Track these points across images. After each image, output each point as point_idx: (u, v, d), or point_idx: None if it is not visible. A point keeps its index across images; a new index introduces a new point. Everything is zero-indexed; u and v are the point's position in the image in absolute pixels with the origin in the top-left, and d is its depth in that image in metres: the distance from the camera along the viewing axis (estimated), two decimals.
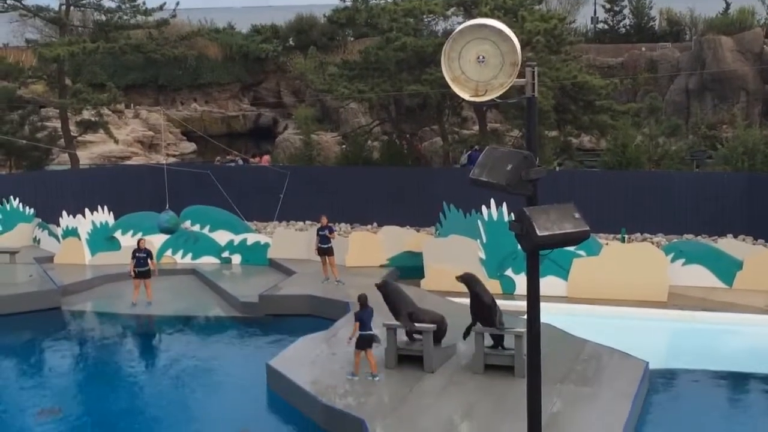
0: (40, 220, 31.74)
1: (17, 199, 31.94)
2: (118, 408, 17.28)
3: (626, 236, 29.09)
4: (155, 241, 28.34)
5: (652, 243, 27.90)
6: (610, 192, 30.38)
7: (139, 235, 27.23)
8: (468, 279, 17.75)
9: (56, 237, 29.98)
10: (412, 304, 18.06)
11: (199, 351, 21.31)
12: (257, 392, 17.74)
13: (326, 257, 25.10)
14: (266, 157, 42.40)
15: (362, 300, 17.23)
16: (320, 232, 25.26)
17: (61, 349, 22.02)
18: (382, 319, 17.83)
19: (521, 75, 8.62)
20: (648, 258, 23.81)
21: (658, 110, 40.11)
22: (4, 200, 31.79)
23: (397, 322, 17.73)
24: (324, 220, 25.46)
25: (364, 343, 16.90)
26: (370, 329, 16.95)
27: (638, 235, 29.90)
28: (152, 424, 16.46)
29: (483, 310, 17.18)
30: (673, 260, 24.41)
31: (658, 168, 34.57)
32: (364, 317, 17.00)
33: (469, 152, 37.18)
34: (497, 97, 8.75)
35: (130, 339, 23.15)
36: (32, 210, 32.07)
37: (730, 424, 16.38)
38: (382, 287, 18.04)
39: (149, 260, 24.48)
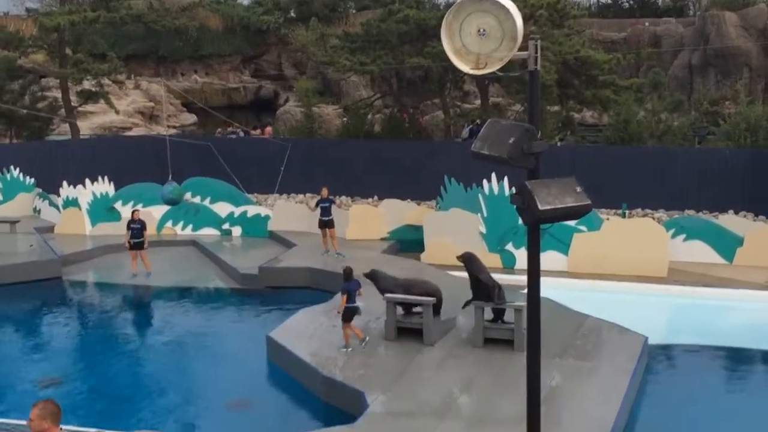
0: (41, 190, 31.74)
1: (18, 168, 31.94)
2: (118, 377, 17.32)
3: (627, 211, 29.09)
4: (155, 212, 28.36)
5: (653, 218, 27.90)
6: (611, 167, 30.34)
7: (139, 206, 27.23)
8: (467, 259, 17.71)
9: (57, 207, 29.98)
10: (405, 279, 18.08)
11: (199, 322, 21.34)
12: (257, 364, 17.77)
13: (327, 230, 25.08)
14: (268, 129, 42.33)
15: (348, 272, 17.27)
16: (321, 204, 25.23)
17: (61, 318, 22.05)
18: (369, 291, 17.83)
19: (523, 48, 8.56)
20: (649, 233, 23.80)
21: (661, 86, 40.02)
22: (5, 170, 31.78)
23: (399, 295, 17.73)
24: (324, 192, 25.43)
25: (351, 315, 16.95)
26: (355, 302, 17.00)
27: (639, 210, 29.90)
28: (152, 394, 16.50)
29: (481, 288, 17.18)
30: (673, 236, 24.41)
31: (660, 144, 34.52)
32: (351, 289, 17.04)
33: (471, 126, 37.10)
34: (499, 70, 8.69)
35: (130, 309, 23.19)
36: (33, 180, 32.06)
37: (729, 399, 16.42)
38: (371, 275, 18.02)
39: (143, 231, 24.46)
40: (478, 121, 35.91)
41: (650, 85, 39.30)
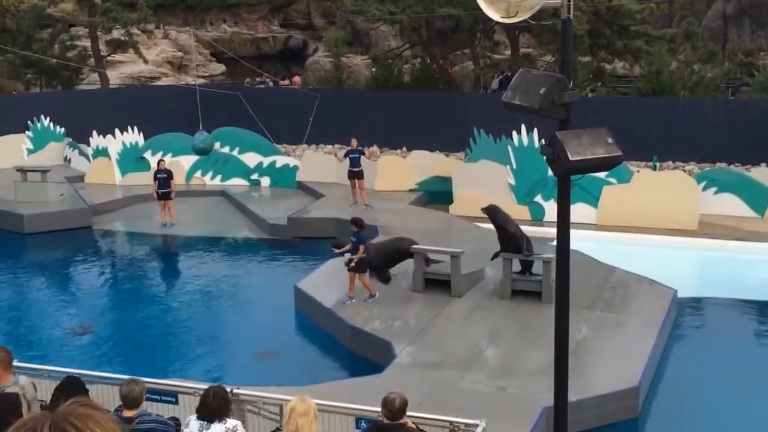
0: (71, 139, 31.86)
1: (48, 118, 32.04)
2: (147, 326, 17.49)
3: (658, 164, 28.82)
4: (184, 162, 28.43)
5: (684, 171, 27.63)
6: (642, 119, 30.02)
7: (168, 156, 27.31)
8: (491, 211, 17.58)
9: (87, 157, 30.13)
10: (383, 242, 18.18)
11: (228, 272, 21.46)
12: (285, 313, 17.88)
13: (355, 180, 25.05)
14: (296, 79, 42.18)
15: (361, 222, 17.08)
16: (350, 155, 25.17)
17: (91, 267, 22.25)
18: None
19: None
20: (679, 186, 23.58)
21: (694, 36, 39.39)
22: (35, 119, 31.90)
23: (425, 247, 17.73)
24: (354, 143, 25.35)
25: (366, 266, 16.84)
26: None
27: (670, 163, 29.62)
28: (180, 342, 16.67)
29: (509, 240, 17.09)
30: (704, 189, 24.16)
31: (692, 95, 34.08)
32: (365, 240, 17.01)
33: (500, 77, 36.77)
34: (531, 19, 8.56)
35: (160, 259, 23.36)
36: (63, 129, 32.19)
37: (758, 353, 16.35)
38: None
39: (170, 181, 24.39)
40: (508, 72, 35.56)
41: (683, 35, 38.72)
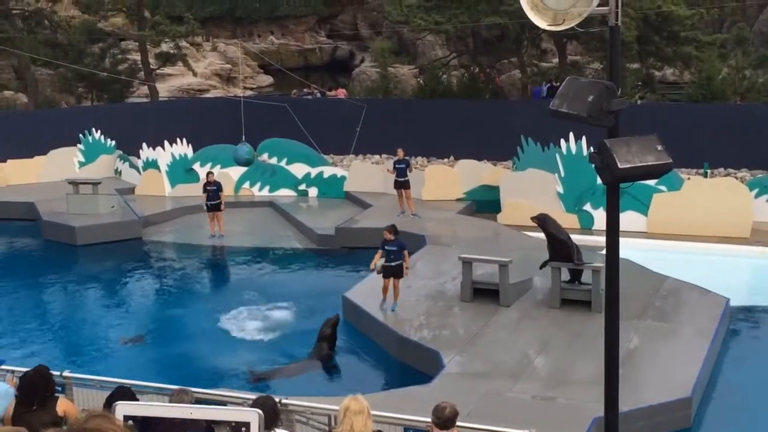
0: (121, 152, 32.25)
1: (99, 131, 32.46)
2: (197, 336, 17.61)
3: (709, 171, 28.46)
4: (233, 173, 28.62)
5: (736, 178, 27.24)
6: (692, 126, 29.65)
7: (217, 168, 27.50)
8: (542, 220, 17.50)
9: (137, 169, 30.47)
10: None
11: (277, 282, 21.55)
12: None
13: (402, 190, 25.05)
14: (342, 91, 42.31)
15: (397, 230, 17.31)
16: (397, 165, 25.18)
17: (142, 278, 22.49)
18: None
19: (603, 3, 8.35)
20: (731, 193, 23.26)
21: (746, 41, 38.83)
22: (87, 132, 32.33)
23: (475, 256, 17.70)
24: (400, 153, 25.35)
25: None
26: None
27: (721, 169, 29.23)
28: (230, 352, 16.74)
29: (560, 248, 16.98)
30: (757, 196, 23.81)
31: (743, 101, 33.62)
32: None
33: (548, 85, 36.59)
34: (578, 26, 8.50)
35: (210, 269, 23.53)
36: (113, 142, 32.58)
37: None
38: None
39: (219, 193, 24.56)
40: (554, 82, 35.36)
41: (734, 40, 38.21)
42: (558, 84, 31.73)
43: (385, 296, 17.20)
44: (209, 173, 25.28)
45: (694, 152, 28.29)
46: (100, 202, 26.24)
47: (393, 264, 16.96)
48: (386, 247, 17.06)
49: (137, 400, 8.40)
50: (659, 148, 8.04)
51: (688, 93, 34.88)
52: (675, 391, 13.13)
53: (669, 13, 32.43)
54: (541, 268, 17.35)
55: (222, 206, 24.67)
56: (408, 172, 25.08)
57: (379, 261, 17.11)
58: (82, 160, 32.17)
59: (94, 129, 32.43)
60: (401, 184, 25.02)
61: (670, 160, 8.08)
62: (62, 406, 8.38)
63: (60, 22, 40.13)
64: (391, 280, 17.08)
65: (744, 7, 43.44)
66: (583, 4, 8.28)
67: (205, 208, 24.74)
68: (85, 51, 39.50)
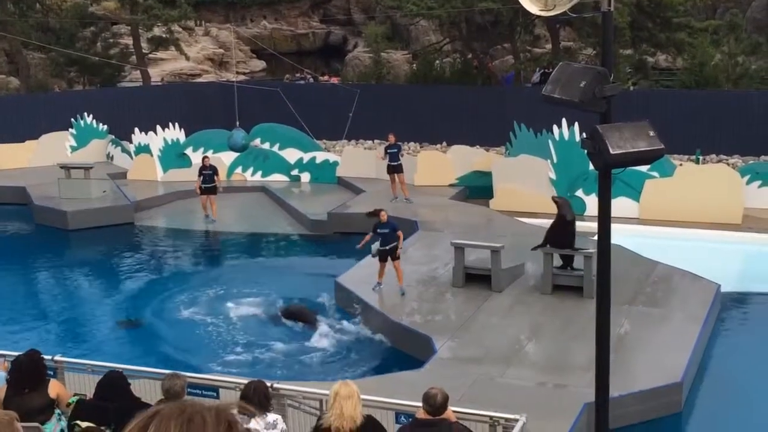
0: (113, 136, 32.15)
1: (90, 115, 32.35)
2: (190, 321, 17.61)
3: (701, 157, 28.49)
4: (225, 158, 28.57)
5: (728, 164, 27.29)
6: (685, 112, 29.67)
7: (209, 153, 27.46)
8: (560, 203, 17.40)
9: (129, 153, 30.39)
10: None
11: (269, 267, 21.56)
12: (325, 308, 17.93)
13: (395, 175, 25.06)
14: (335, 79, 42.24)
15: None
16: (389, 150, 25.17)
17: (134, 263, 22.46)
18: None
19: None
20: (723, 180, 23.30)
21: (739, 28, 38.79)
22: (78, 117, 32.23)
23: (467, 242, 17.71)
24: (392, 138, 25.34)
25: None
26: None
27: (713, 156, 29.27)
28: (223, 336, 16.76)
29: (567, 235, 16.91)
30: (748, 182, 23.86)
31: (736, 88, 33.64)
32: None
33: (541, 71, 36.56)
34: (571, 11, 8.50)
35: (202, 254, 23.52)
36: (105, 126, 32.48)
37: None
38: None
39: (215, 177, 24.60)
40: (548, 69, 35.32)
41: (727, 27, 38.16)
42: (551, 70, 31.70)
43: (381, 279, 17.20)
44: (205, 157, 25.30)
45: (686, 138, 28.32)
46: (91, 187, 26.19)
47: (388, 247, 16.99)
48: (379, 230, 17.09)
49: (129, 384, 8.42)
50: (651, 134, 8.06)
51: (680, 79, 34.89)
52: (666, 376, 13.18)
53: None
54: (533, 249, 17.32)
55: (219, 189, 24.77)
56: (400, 157, 25.09)
57: (374, 245, 17.11)
58: (74, 144, 32.07)
59: (85, 113, 32.32)
60: (394, 169, 25.02)
61: (662, 146, 8.10)
62: (54, 389, 8.39)
63: (52, 6, 39.95)
64: (390, 262, 17.09)
65: None
66: None
67: (198, 191, 24.73)
68: (76, 35, 39.32)
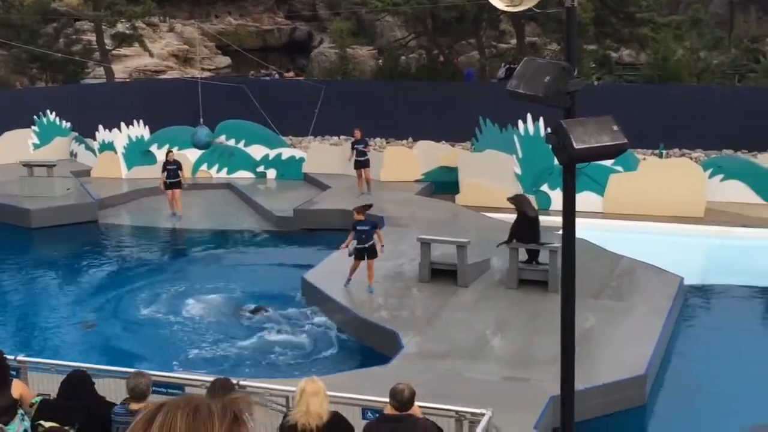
0: (77, 134, 31.87)
1: (54, 112, 32.05)
2: (155, 319, 17.50)
3: (664, 151, 28.75)
4: (190, 155, 28.42)
5: (691, 158, 27.56)
6: (648, 106, 29.92)
7: (174, 149, 27.31)
8: (518, 200, 17.51)
9: (93, 151, 30.15)
10: None
11: (235, 264, 21.47)
12: (293, 305, 17.89)
13: (363, 170, 25.11)
14: (291, 73, 42.15)
15: (366, 209, 17.35)
16: (355, 146, 25.20)
17: (98, 261, 22.28)
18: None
19: None
20: (686, 173, 23.53)
21: (701, 23, 39.22)
22: (41, 114, 31.91)
23: (433, 237, 17.74)
24: (357, 134, 25.36)
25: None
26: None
27: (676, 150, 29.54)
28: (188, 334, 16.67)
29: (531, 230, 17.00)
30: (711, 176, 24.13)
31: (699, 82, 33.97)
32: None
33: (507, 66, 36.71)
34: (535, 7, 8.54)
35: (167, 252, 23.37)
36: (69, 124, 32.19)
37: (764, 339, 16.32)
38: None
39: (179, 171, 24.51)
40: (513, 64, 35.47)
41: (689, 22, 38.55)
42: (516, 65, 31.82)
43: (351, 276, 17.10)
44: (169, 151, 25.19)
45: (650, 133, 28.58)
46: (55, 185, 25.94)
47: (366, 245, 16.89)
48: (358, 227, 16.93)
49: (93, 383, 8.36)
50: (615, 128, 8.11)
51: (644, 74, 35.19)
52: (630, 369, 13.28)
53: None
54: (498, 246, 17.40)
55: (184, 185, 24.71)
56: (367, 152, 25.17)
57: (351, 243, 17.01)
58: (37, 142, 31.77)
59: (48, 110, 32.02)
60: (361, 164, 25.08)
61: (626, 141, 8.15)
62: (17, 389, 8.30)
63: (13, 2, 39.51)
64: (365, 261, 16.94)
65: None
66: None
67: (162, 186, 24.61)
68: (38, 31, 38.94)
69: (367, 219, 17.06)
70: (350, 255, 17.05)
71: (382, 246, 17.13)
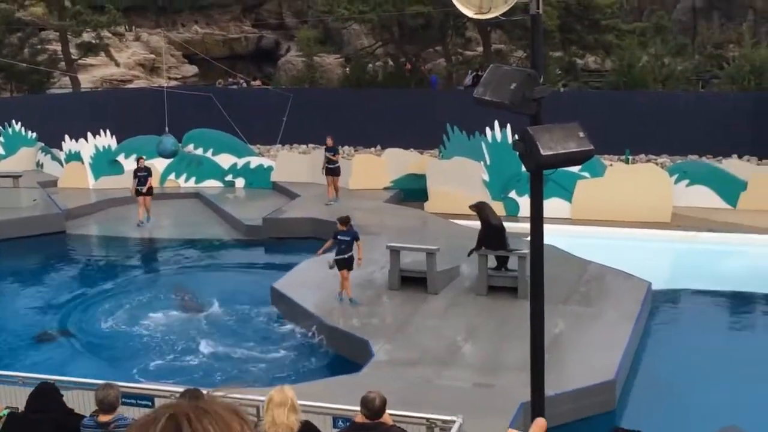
0: (43, 144, 31.62)
1: (19, 123, 31.78)
2: (123, 330, 17.37)
3: (630, 157, 28.97)
4: (158, 165, 28.29)
5: (657, 164, 27.80)
6: (614, 113, 30.16)
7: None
8: (479, 207, 17.57)
9: (59, 161, 29.93)
10: None
11: (204, 274, 21.37)
12: (262, 314, 17.83)
13: (332, 177, 25.14)
14: (257, 82, 42.09)
15: (349, 220, 17.14)
16: (327, 153, 25.28)
17: (65, 272, 22.09)
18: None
19: None
20: (652, 179, 23.73)
21: (665, 29, 39.62)
22: (6, 124, 31.64)
23: (402, 245, 17.76)
24: (329, 141, 25.39)
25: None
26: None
27: (642, 156, 29.78)
28: (153, 346, 16.55)
29: (495, 236, 17.06)
30: (677, 181, 24.35)
31: (663, 88, 34.29)
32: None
33: (473, 74, 36.87)
34: (501, 15, 8.59)
35: (135, 262, 23.22)
36: (34, 134, 31.94)
37: (732, 343, 16.47)
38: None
39: (148, 178, 24.50)
40: (479, 72, 35.64)
41: (653, 29, 38.92)
42: (483, 72, 31.94)
43: (343, 289, 16.93)
44: (140, 158, 25.16)
45: (616, 139, 28.80)
46: (21, 196, 25.70)
47: (346, 255, 16.68)
48: (339, 237, 16.75)
49: (61, 395, 8.28)
50: (581, 135, 8.18)
51: (609, 80, 35.47)
52: (599, 374, 13.35)
53: (590, 1, 32.94)
54: (468, 255, 17.48)
55: (152, 191, 24.75)
56: (336, 159, 25.23)
57: (330, 258, 16.77)
58: (2, 152, 31.49)
59: (14, 121, 31.75)
60: (331, 171, 25.11)
61: (592, 147, 8.22)
62: None
63: None
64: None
65: None
66: None
67: (133, 192, 24.62)
68: (2, 41, 38.62)
69: (348, 230, 16.91)
70: (330, 268, 16.81)
71: (360, 259, 17.00)
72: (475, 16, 8.72)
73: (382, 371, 13.55)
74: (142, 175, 24.46)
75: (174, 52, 50.91)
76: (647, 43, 37.33)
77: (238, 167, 29.06)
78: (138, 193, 24.55)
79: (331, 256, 16.93)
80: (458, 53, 38.99)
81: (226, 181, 29.03)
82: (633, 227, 22.79)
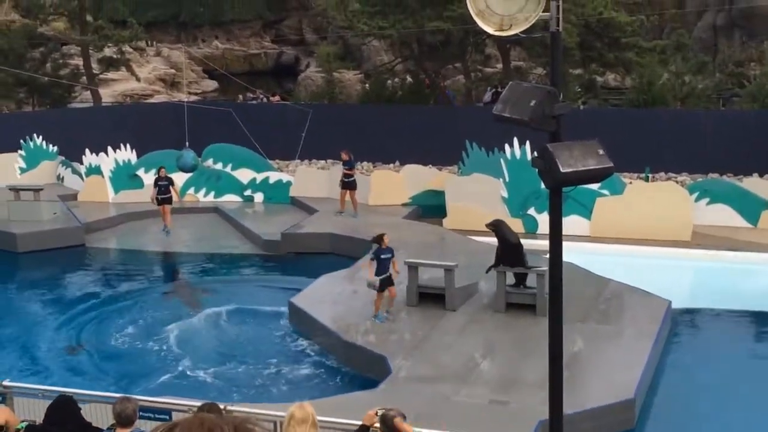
0: (64, 157, 31.81)
1: (40, 136, 31.99)
2: (143, 343, 17.41)
3: (650, 175, 28.86)
4: (177, 179, 28.38)
5: (677, 182, 27.68)
6: (634, 130, 30.07)
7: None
8: (496, 225, 17.51)
9: (80, 175, 30.08)
10: None
11: (222, 288, 21.40)
12: (279, 329, 17.84)
13: (349, 191, 25.17)
14: (276, 98, 42.20)
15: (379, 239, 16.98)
16: (344, 167, 25.34)
17: (85, 285, 22.19)
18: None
19: (545, 9, 8.46)
20: (672, 197, 23.60)
21: (685, 47, 39.50)
22: (28, 138, 31.85)
23: (421, 261, 17.73)
24: (344, 156, 25.44)
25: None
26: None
27: (662, 174, 29.66)
28: (176, 359, 16.59)
29: (511, 253, 17.00)
30: (697, 199, 24.19)
31: (683, 106, 34.18)
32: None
33: (492, 90, 36.87)
34: (521, 32, 8.59)
35: (154, 276, 23.30)
36: (55, 148, 32.13)
37: (753, 363, 16.34)
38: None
39: (171, 187, 24.79)
40: (499, 87, 35.62)
41: (674, 46, 38.81)
42: (502, 89, 31.93)
43: (378, 309, 16.73)
44: (161, 168, 25.37)
45: (636, 156, 28.68)
46: (42, 209, 25.84)
47: (388, 274, 16.50)
48: (382, 257, 16.47)
49: (79, 409, 8.30)
50: (601, 152, 8.16)
51: (629, 98, 35.36)
52: (618, 393, 13.28)
53: (610, 19, 32.89)
54: (487, 272, 17.45)
55: (174, 200, 25.22)
56: (353, 173, 25.30)
57: (374, 278, 16.42)
58: (24, 166, 31.69)
59: (35, 134, 31.96)
60: (347, 185, 25.15)
61: (612, 165, 8.20)
62: (3, 415, 8.24)
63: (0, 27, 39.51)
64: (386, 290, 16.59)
65: (683, 13, 44.18)
66: (530, 9, 8.38)
67: (154, 201, 25.02)
68: (25, 56, 38.92)
69: (388, 247, 16.71)
70: (375, 289, 16.51)
71: (398, 272, 16.82)
72: (496, 33, 8.72)
73: (399, 388, 13.52)
74: (162, 184, 24.80)
75: (194, 67, 51.21)
76: (668, 60, 37.23)
77: (257, 182, 29.13)
78: (159, 202, 24.91)
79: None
80: (478, 70, 39.00)
81: (245, 195, 29.10)
82: (653, 245, 22.67)
